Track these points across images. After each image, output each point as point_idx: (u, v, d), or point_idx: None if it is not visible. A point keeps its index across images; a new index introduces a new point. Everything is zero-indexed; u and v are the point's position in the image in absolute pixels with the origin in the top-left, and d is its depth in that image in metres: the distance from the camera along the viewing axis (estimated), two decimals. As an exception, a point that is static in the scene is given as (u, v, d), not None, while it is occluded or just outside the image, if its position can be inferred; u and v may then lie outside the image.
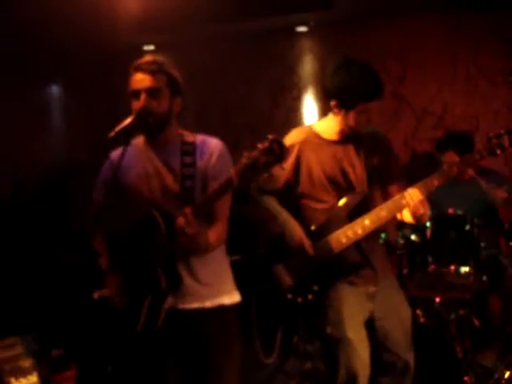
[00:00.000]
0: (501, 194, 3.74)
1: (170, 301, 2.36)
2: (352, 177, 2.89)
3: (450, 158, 4.03)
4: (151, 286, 2.35)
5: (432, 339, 3.41)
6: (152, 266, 2.34)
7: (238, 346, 2.54)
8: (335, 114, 2.86)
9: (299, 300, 2.82)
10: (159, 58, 2.49)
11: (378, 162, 2.94)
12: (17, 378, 3.40)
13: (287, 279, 2.85)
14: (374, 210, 2.80)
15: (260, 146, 2.09)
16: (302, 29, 5.50)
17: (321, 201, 2.91)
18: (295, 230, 2.85)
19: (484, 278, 3.53)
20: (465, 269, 3.45)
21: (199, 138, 2.53)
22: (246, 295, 2.61)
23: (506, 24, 4.81)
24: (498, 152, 2.72)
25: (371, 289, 2.90)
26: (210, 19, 5.11)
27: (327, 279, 2.85)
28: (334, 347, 2.86)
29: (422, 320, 3.52)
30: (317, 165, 2.89)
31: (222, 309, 2.48)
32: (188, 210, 2.21)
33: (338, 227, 2.82)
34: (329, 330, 2.87)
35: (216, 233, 2.42)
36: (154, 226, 2.33)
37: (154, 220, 2.34)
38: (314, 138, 2.93)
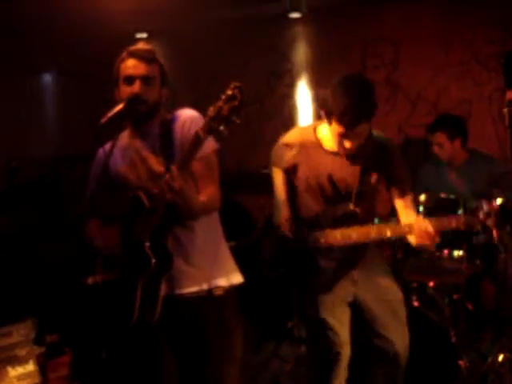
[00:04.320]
0: None
1: (164, 287, 2.36)
2: (342, 191, 2.85)
3: (439, 139, 4.04)
4: (142, 268, 2.34)
5: (426, 324, 3.42)
6: (141, 246, 2.33)
7: (238, 328, 2.54)
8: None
9: (272, 275, 2.87)
10: (151, 46, 2.50)
11: (379, 174, 2.86)
12: (13, 367, 3.41)
13: (266, 253, 2.90)
14: (366, 227, 2.76)
15: (222, 95, 2.15)
16: (294, 15, 5.47)
17: (308, 205, 2.90)
18: (283, 211, 2.87)
19: (477, 262, 3.55)
20: (458, 253, 3.47)
21: (176, 113, 2.53)
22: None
23: (500, 9, 4.79)
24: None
25: (355, 274, 2.90)
26: (202, 6, 5.08)
27: (305, 261, 2.85)
28: (312, 328, 2.90)
29: (415, 304, 3.54)
30: (310, 171, 2.86)
31: (220, 290, 2.49)
32: (173, 167, 2.24)
33: (322, 228, 2.79)
34: (306, 311, 2.89)
35: (207, 193, 2.42)
36: (139, 205, 2.35)
37: (138, 199, 2.36)
38: (313, 144, 2.87)
